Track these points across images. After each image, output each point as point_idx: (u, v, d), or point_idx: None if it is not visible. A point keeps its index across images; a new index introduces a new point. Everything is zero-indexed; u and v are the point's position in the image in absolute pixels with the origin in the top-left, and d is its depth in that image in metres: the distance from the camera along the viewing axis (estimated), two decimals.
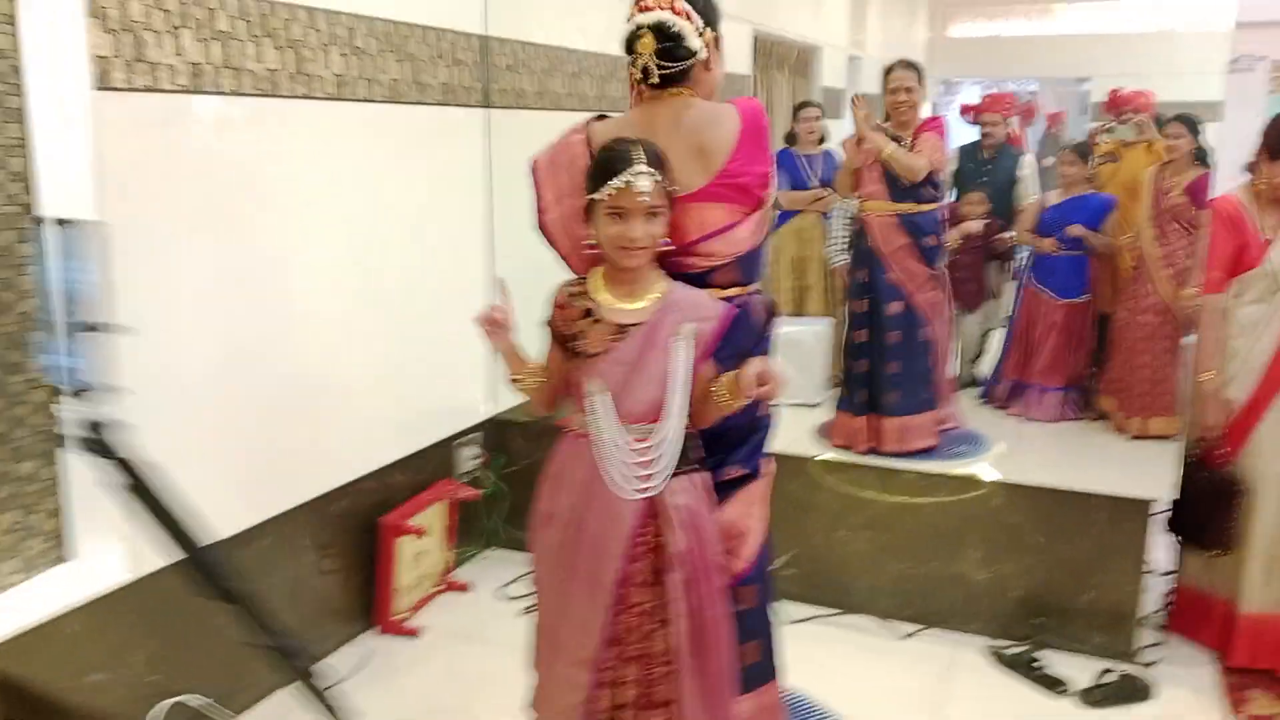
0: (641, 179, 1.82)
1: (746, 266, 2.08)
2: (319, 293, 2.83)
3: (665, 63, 1.98)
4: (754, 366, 1.84)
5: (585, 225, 1.95)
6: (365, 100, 2.88)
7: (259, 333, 2.65)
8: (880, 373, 3.72)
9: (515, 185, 3.44)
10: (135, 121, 2.26)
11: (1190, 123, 4.02)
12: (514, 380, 2.04)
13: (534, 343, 2.04)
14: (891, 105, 3.74)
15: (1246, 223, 2.87)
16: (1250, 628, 2.92)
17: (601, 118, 2.13)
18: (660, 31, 1.95)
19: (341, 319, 2.92)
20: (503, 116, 3.45)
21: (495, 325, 1.96)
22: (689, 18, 1.97)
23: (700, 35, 1.99)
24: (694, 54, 1.99)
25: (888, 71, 3.78)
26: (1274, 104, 5.94)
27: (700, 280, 2.03)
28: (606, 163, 1.86)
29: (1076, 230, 4.25)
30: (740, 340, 2.04)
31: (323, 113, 2.75)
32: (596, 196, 1.86)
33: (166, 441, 2.38)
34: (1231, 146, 3.78)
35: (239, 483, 2.64)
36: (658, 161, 1.87)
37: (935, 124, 3.73)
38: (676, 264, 2.02)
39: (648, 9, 1.97)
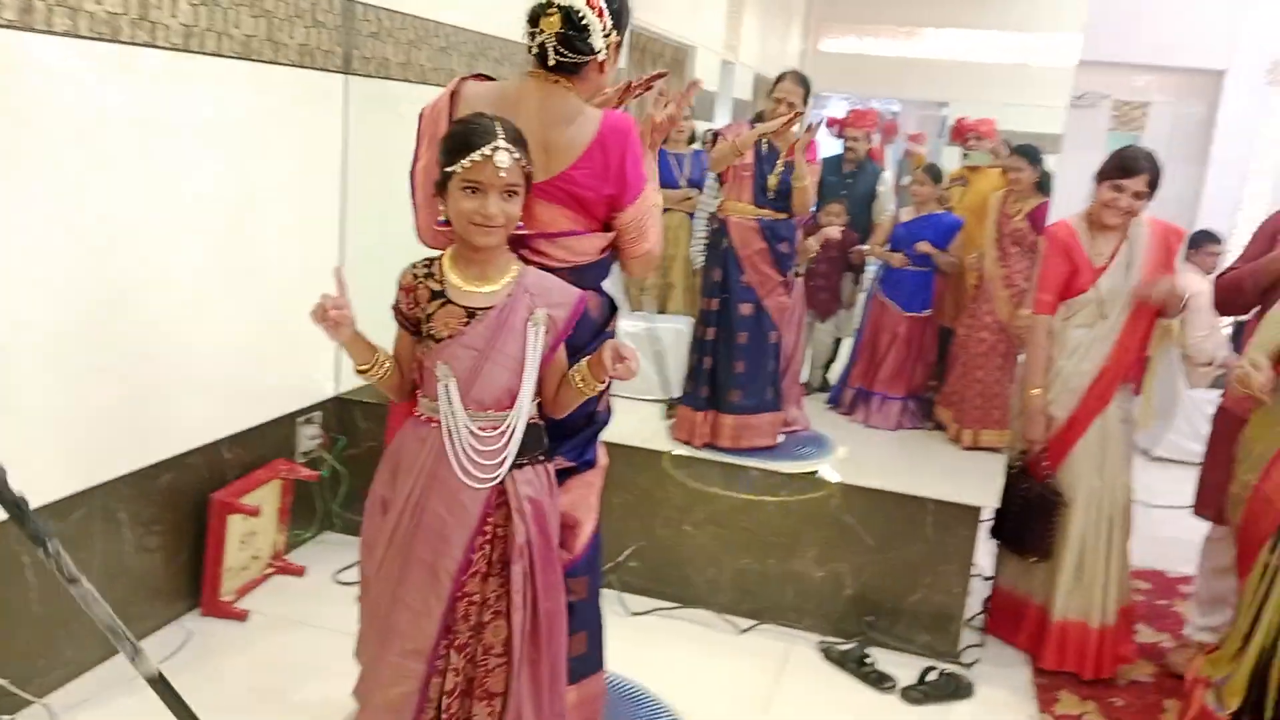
0: (500, 154, 1.78)
1: (584, 276, 2.03)
2: (158, 254, 2.67)
3: (564, 50, 1.93)
4: (609, 347, 1.83)
5: (437, 201, 1.89)
6: (215, 54, 2.72)
7: (91, 293, 2.48)
8: (726, 371, 3.78)
9: (372, 155, 3.35)
10: None
11: (1030, 154, 4.23)
12: (361, 371, 1.96)
13: (388, 325, 1.97)
14: (773, 113, 3.78)
15: (1078, 249, 3.02)
16: (1059, 632, 3.08)
17: (480, 77, 2.07)
18: (569, 17, 1.91)
19: (181, 283, 2.76)
20: (364, 85, 3.33)
21: (332, 320, 1.85)
22: (600, 14, 1.92)
23: (606, 36, 1.95)
24: (594, 52, 1.94)
25: (777, 81, 3.82)
26: (1113, 140, 6.34)
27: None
28: (464, 136, 1.81)
29: (924, 247, 4.41)
30: (577, 334, 2.01)
31: (168, 64, 2.59)
32: (452, 169, 1.81)
33: None
34: (1071, 179, 4.01)
35: (56, 448, 2.47)
36: (517, 140, 1.82)
37: (812, 151, 3.81)
38: (528, 252, 1.99)
39: None
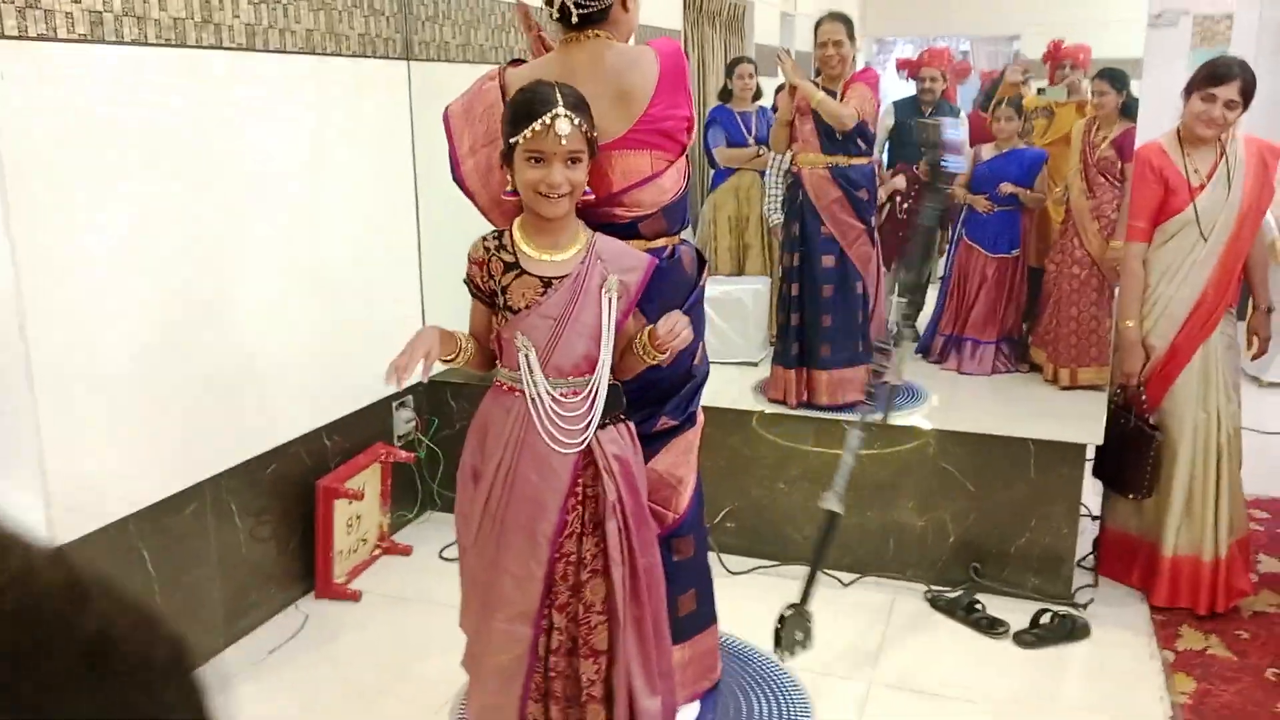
0: (561, 121, 1.77)
1: (671, 216, 2.04)
2: (242, 256, 2.74)
3: (584, 3, 1.92)
4: (664, 322, 1.83)
5: (505, 173, 1.89)
6: (279, 51, 2.77)
7: (182, 299, 2.56)
8: (814, 326, 3.72)
9: (439, 139, 3.37)
10: (30, 74, 2.14)
11: (1115, 78, 4.05)
12: (448, 362, 1.98)
13: (467, 301, 1.99)
14: (821, 59, 3.71)
15: (1171, 169, 2.89)
16: (1171, 569, 2.98)
17: (516, 63, 2.06)
18: None
19: (268, 279, 2.83)
20: (424, 69, 3.35)
21: (412, 359, 1.82)
22: None
23: None
24: None
25: (817, 25, 3.75)
26: (1196, 58, 6.04)
27: (626, 231, 1.99)
28: (524, 105, 1.81)
29: (1008, 188, 4.28)
30: (669, 292, 2.01)
31: (234, 64, 2.64)
32: (514, 140, 1.81)
33: (81, 405, 2.31)
34: (1154, 102, 3.83)
35: (167, 447, 2.56)
36: (578, 105, 1.81)
37: (866, 75, 3.72)
38: (603, 215, 1.98)
39: None
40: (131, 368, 2.44)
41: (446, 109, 2.06)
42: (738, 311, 4.41)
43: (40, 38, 2.16)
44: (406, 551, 3.37)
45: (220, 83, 2.61)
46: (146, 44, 2.39)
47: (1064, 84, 4.53)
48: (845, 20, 3.70)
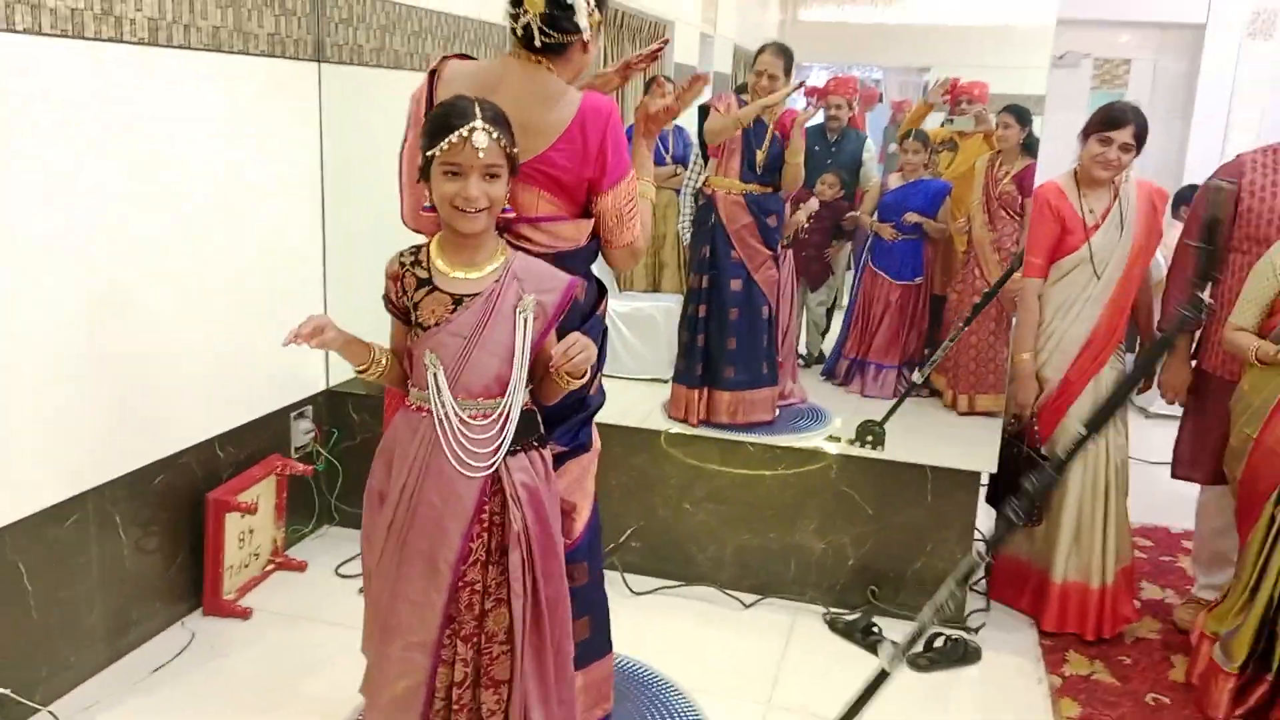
0: (478, 134, 1.75)
1: (566, 262, 1.99)
2: (139, 252, 2.63)
3: (549, 31, 1.89)
4: (560, 344, 1.82)
5: (423, 188, 1.86)
6: (183, 47, 2.67)
7: (73, 294, 2.44)
8: (719, 347, 3.76)
9: (349, 142, 3.31)
10: None
11: (1020, 113, 4.20)
12: (360, 372, 1.93)
13: (373, 316, 1.94)
14: (757, 89, 3.73)
15: (1068, 208, 3.00)
16: (1060, 595, 3.08)
17: (462, 57, 2.03)
18: None
19: (165, 280, 2.72)
20: (336, 72, 3.28)
21: (316, 334, 1.82)
22: None
23: (590, 15, 1.91)
24: (579, 32, 1.90)
25: (758, 53, 3.78)
26: (1096, 98, 6.29)
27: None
28: (441, 118, 1.78)
29: (913, 218, 4.39)
30: (567, 320, 1.99)
31: (135, 58, 2.54)
32: (431, 153, 1.78)
33: None
34: (1055, 140, 3.98)
35: (47, 453, 2.44)
36: (497, 119, 1.79)
37: (794, 114, 3.77)
38: (510, 237, 1.96)
39: None
40: (12, 368, 2.32)
41: (413, 92, 2.05)
42: (650, 328, 4.43)
43: None
44: (301, 567, 3.27)
45: (120, 77, 2.50)
46: (40, 33, 2.28)
47: (971, 114, 4.68)
48: (786, 54, 3.73)
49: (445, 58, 2.02)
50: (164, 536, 2.85)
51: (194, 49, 2.71)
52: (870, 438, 3.17)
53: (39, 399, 2.39)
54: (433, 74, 2.01)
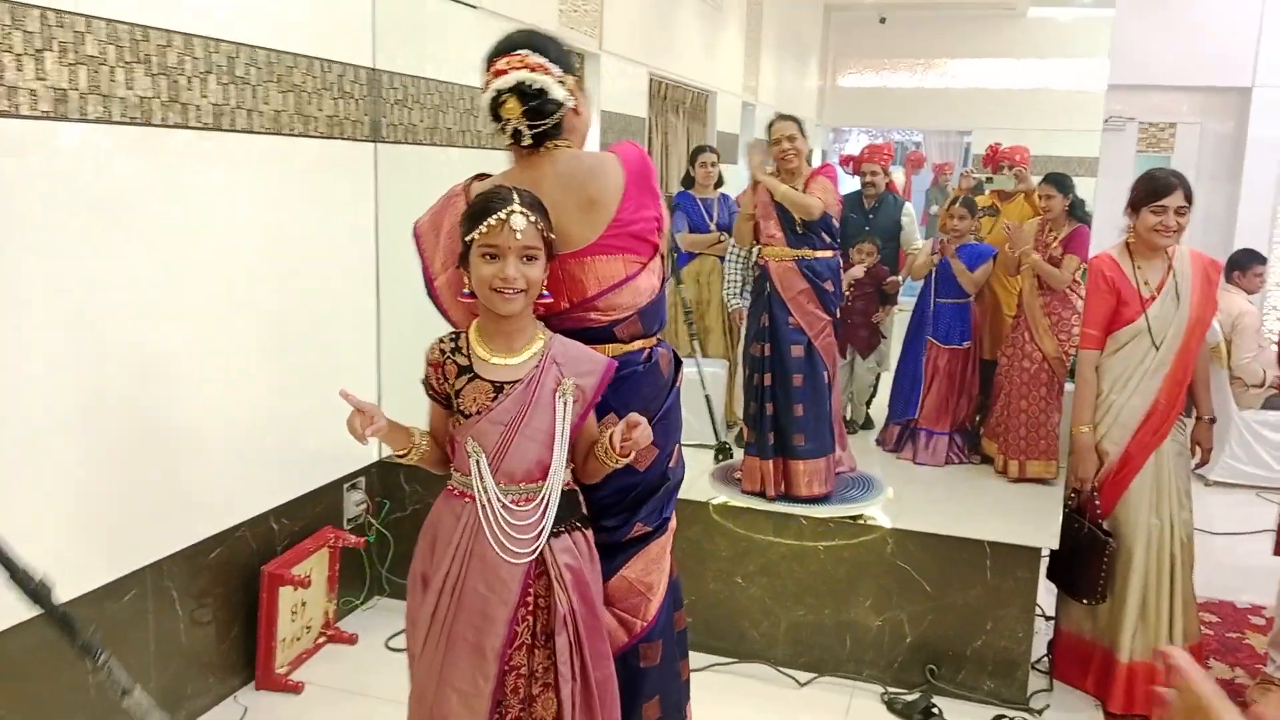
0: (516, 216, 1.78)
1: (648, 318, 2.02)
2: (195, 330, 2.67)
3: (535, 122, 1.91)
4: (621, 425, 1.82)
5: (461, 273, 1.89)
6: (245, 131, 2.75)
7: (128, 373, 2.49)
8: (787, 415, 3.73)
9: (404, 218, 3.35)
10: None
11: (1060, 182, 4.18)
12: (400, 457, 1.95)
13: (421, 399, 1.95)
14: (778, 155, 3.79)
15: (1123, 280, 2.96)
16: (1127, 675, 2.98)
17: (480, 177, 2.06)
18: (522, 93, 1.88)
19: (220, 357, 2.77)
20: (392, 150, 3.35)
21: (374, 428, 1.84)
22: (547, 70, 1.90)
23: (563, 84, 1.92)
24: (561, 105, 1.91)
25: (770, 124, 3.84)
26: (1142, 162, 6.27)
27: (603, 334, 1.98)
28: (480, 203, 1.82)
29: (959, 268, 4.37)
30: (649, 396, 2.00)
31: (198, 143, 2.61)
32: (470, 238, 1.81)
33: (15, 485, 2.21)
34: (1105, 202, 3.95)
35: (103, 533, 2.46)
36: (535, 206, 1.82)
37: (826, 170, 3.82)
38: (578, 320, 1.97)
39: (502, 72, 1.89)
40: (75, 448, 2.36)
41: (415, 225, 2.05)
42: (696, 394, 4.41)
43: (2, 114, 2.11)
44: (351, 640, 3.26)
45: (180, 157, 2.57)
46: (111, 122, 2.36)
47: (1011, 173, 4.67)
48: (795, 119, 3.81)
49: (466, 185, 2.02)
50: (218, 610, 2.86)
51: (255, 133, 2.78)
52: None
53: (96, 475, 2.42)
54: (456, 197, 2.01)
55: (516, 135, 1.92)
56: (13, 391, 2.19)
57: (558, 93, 1.91)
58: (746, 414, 3.91)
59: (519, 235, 1.78)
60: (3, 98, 2.11)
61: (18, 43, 2.13)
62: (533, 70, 1.88)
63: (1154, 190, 2.90)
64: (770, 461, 3.73)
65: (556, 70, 1.92)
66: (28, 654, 2.29)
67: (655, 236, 2.01)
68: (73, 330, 2.33)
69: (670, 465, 2.10)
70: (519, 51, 1.90)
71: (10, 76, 2.12)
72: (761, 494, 3.71)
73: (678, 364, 2.11)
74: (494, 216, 1.77)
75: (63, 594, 2.32)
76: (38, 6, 2.16)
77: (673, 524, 2.15)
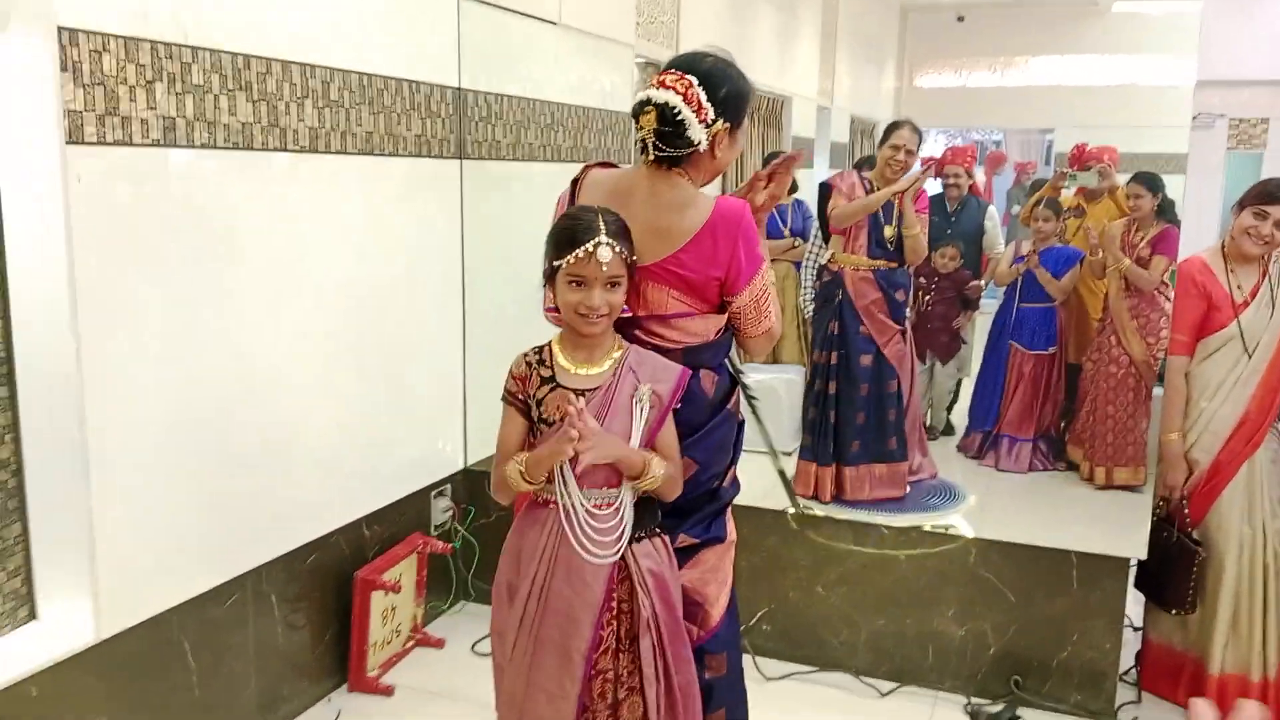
0: (603, 249, 1.83)
1: (692, 355, 2.03)
2: (292, 344, 2.79)
3: (662, 145, 1.95)
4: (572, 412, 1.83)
5: (547, 290, 1.96)
6: (339, 152, 2.86)
7: (231, 386, 2.60)
8: (849, 423, 3.74)
9: (489, 231, 3.46)
10: (107, 176, 2.22)
11: (1149, 181, 4.09)
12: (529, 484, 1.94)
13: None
14: (888, 162, 3.78)
15: (1215, 284, 2.90)
16: (1218, 687, 2.93)
17: (605, 165, 2.12)
18: (664, 114, 1.92)
19: (314, 370, 2.88)
20: (476, 167, 3.44)
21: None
22: (699, 108, 1.92)
23: (708, 127, 1.94)
24: (693, 145, 1.94)
25: (891, 128, 3.82)
26: (1233, 159, 6.09)
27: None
28: (567, 231, 1.87)
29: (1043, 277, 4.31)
30: (696, 413, 2.03)
31: (296, 164, 2.72)
32: (557, 264, 1.86)
33: (130, 495, 2.34)
34: (1194, 201, 3.86)
35: (208, 540, 2.57)
36: (619, 232, 1.87)
37: (921, 201, 3.80)
38: (642, 334, 2.02)
39: (663, 85, 1.93)
40: (182, 460, 2.47)
41: (560, 196, 2.16)
42: (771, 400, 4.41)
43: (116, 143, 2.24)
44: (439, 644, 3.36)
45: (279, 179, 2.68)
46: (215, 148, 2.47)
47: (1095, 170, 4.57)
48: (920, 132, 3.81)
49: (589, 166, 2.11)
50: (313, 614, 2.97)
51: (349, 153, 2.89)
52: None
53: (200, 486, 2.53)
54: (575, 181, 2.10)
55: (644, 145, 1.98)
56: (127, 405, 2.32)
57: (695, 134, 1.93)
58: (804, 419, 3.92)
59: (605, 267, 1.84)
60: (118, 127, 2.23)
61: (130, 74, 2.25)
62: (686, 101, 1.92)
63: (1263, 194, 2.85)
64: (827, 467, 3.75)
65: (709, 112, 1.93)
66: (138, 656, 2.41)
67: (713, 294, 2.03)
68: (180, 346, 2.45)
69: (722, 484, 2.13)
70: (689, 76, 1.94)
71: (124, 107, 2.24)
72: (815, 498, 3.74)
73: (732, 386, 2.13)
74: (582, 249, 1.83)
75: (169, 599, 2.47)
76: (149, 40, 2.28)
77: (732, 536, 2.18)
